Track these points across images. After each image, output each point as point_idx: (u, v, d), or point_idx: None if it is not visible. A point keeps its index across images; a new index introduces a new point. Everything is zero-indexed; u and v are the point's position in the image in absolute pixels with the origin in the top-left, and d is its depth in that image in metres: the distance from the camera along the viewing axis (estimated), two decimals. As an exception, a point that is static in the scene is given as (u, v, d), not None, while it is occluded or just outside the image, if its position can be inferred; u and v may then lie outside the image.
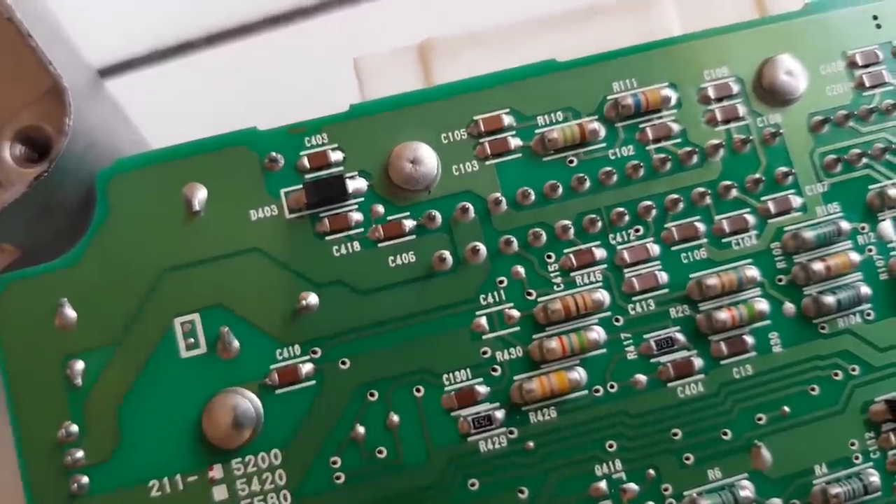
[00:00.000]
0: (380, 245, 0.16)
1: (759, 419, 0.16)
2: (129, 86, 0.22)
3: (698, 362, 0.17)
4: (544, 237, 0.17)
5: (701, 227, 0.17)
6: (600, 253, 0.17)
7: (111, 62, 0.23)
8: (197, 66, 0.23)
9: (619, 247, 0.17)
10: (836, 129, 0.18)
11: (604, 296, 0.16)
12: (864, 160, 0.17)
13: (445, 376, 0.16)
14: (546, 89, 0.17)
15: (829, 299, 0.17)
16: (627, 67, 0.17)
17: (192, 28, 0.23)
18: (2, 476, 0.18)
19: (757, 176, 0.17)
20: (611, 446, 0.16)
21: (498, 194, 0.17)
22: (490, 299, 0.16)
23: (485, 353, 0.16)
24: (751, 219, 0.17)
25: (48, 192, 0.16)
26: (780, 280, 0.17)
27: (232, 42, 0.23)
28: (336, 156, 0.17)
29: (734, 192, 0.17)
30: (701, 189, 0.17)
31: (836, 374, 0.17)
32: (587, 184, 0.17)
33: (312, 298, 0.16)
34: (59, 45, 0.18)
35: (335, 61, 0.20)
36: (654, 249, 0.17)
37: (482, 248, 0.17)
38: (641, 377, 0.16)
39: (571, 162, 0.17)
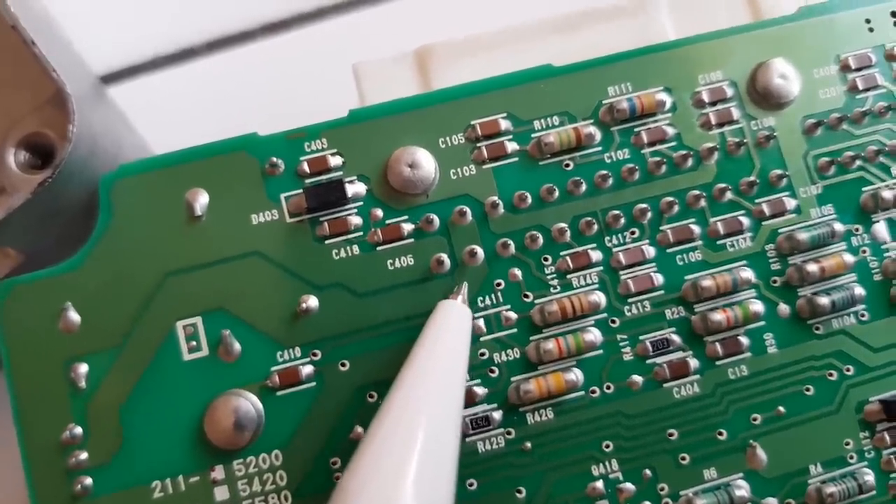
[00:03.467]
0: (378, 248, 0.17)
1: (755, 419, 0.17)
2: (131, 92, 0.23)
3: (694, 363, 0.17)
4: (541, 240, 0.17)
5: (696, 229, 0.17)
6: (596, 255, 0.17)
7: (113, 69, 0.23)
8: (198, 73, 0.23)
9: (615, 249, 0.17)
10: (830, 131, 0.18)
11: (600, 298, 0.17)
12: (858, 162, 0.18)
13: (444, 378, 0.16)
14: (542, 94, 0.17)
15: (824, 300, 0.17)
16: (623, 72, 0.18)
17: (193, 35, 0.23)
18: (6, 478, 0.18)
19: (751, 178, 0.17)
20: (607, 446, 0.16)
21: (495, 198, 0.17)
22: (487, 301, 0.17)
23: (482, 354, 0.16)
24: (745, 221, 0.17)
25: (52, 197, 0.16)
26: (774, 281, 0.17)
27: (232, 49, 0.23)
28: (335, 160, 0.17)
29: (729, 195, 0.17)
30: (696, 192, 0.17)
31: (831, 375, 0.17)
32: (583, 187, 0.17)
33: (312, 301, 0.16)
34: (62, 52, 0.18)
35: (334, 67, 0.20)
36: (650, 251, 0.17)
37: (479, 250, 0.17)
38: (637, 378, 0.17)
39: (567, 165, 0.17)
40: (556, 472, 0.16)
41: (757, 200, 0.17)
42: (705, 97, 0.18)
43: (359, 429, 0.16)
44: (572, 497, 0.16)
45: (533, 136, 0.17)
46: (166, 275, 0.16)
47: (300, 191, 0.17)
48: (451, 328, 0.15)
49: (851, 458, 0.17)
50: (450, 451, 0.14)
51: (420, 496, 0.13)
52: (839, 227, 0.17)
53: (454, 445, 0.14)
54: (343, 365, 0.16)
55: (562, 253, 0.17)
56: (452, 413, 0.14)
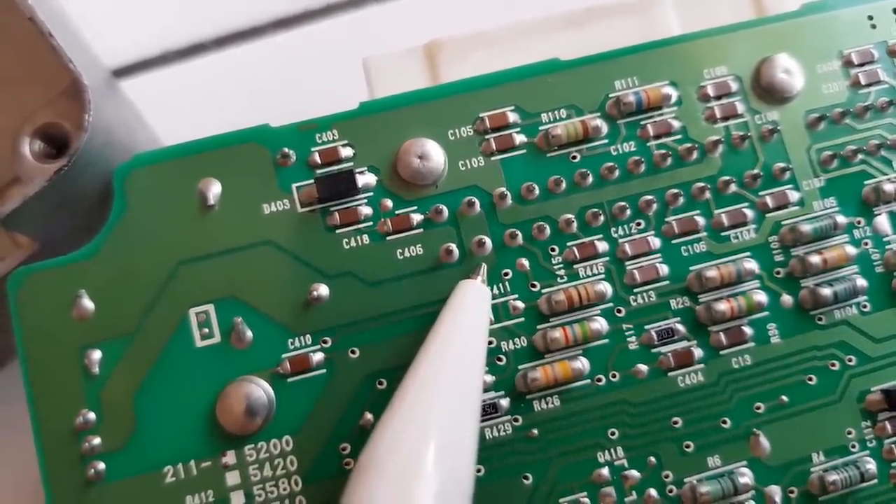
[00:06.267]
0: (388, 238, 0.17)
1: (758, 408, 0.17)
2: (143, 86, 0.23)
3: (698, 352, 0.17)
4: (548, 230, 0.17)
5: (700, 220, 0.17)
6: (602, 246, 0.17)
7: (125, 63, 0.23)
8: (208, 68, 0.23)
9: (620, 240, 0.17)
10: (833, 125, 0.18)
11: (606, 287, 0.17)
12: (860, 156, 0.18)
13: (452, 365, 0.16)
14: (550, 87, 0.18)
15: (826, 291, 0.17)
16: (629, 66, 0.18)
17: (205, 30, 0.24)
18: (21, 463, 0.18)
19: (755, 171, 0.18)
20: (613, 434, 0.17)
21: (503, 189, 0.17)
22: (495, 291, 0.17)
23: (490, 342, 0.17)
24: (749, 213, 0.17)
25: (67, 186, 0.17)
26: (777, 272, 0.17)
27: (243, 44, 0.23)
28: (346, 152, 0.17)
29: (733, 187, 0.18)
30: (700, 184, 0.17)
31: (833, 365, 0.17)
32: (590, 179, 0.17)
33: (323, 290, 0.17)
34: (75, 45, 0.18)
35: (344, 62, 0.20)
36: (655, 242, 0.17)
37: (488, 241, 0.17)
38: (643, 367, 0.17)
39: (574, 158, 0.17)
40: (562, 458, 0.16)
41: (761, 193, 0.18)
42: (710, 91, 0.18)
43: (368, 415, 0.16)
44: (578, 483, 0.16)
45: (540, 128, 0.17)
46: (179, 263, 0.17)
47: (311, 181, 0.17)
48: (470, 307, 0.16)
49: (853, 446, 0.17)
50: (470, 429, 0.14)
51: (440, 475, 0.13)
52: (841, 219, 0.17)
53: (474, 423, 0.14)
54: (353, 352, 0.17)
55: (568, 243, 0.17)
56: (472, 392, 0.14)
